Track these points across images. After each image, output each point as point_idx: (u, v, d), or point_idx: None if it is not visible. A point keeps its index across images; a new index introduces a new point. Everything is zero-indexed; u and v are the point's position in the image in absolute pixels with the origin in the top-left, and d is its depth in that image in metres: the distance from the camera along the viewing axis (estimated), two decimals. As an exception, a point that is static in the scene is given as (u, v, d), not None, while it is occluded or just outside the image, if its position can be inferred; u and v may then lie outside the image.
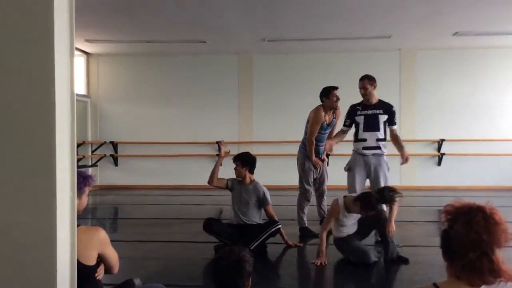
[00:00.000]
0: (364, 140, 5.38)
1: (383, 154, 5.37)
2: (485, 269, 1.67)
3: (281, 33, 9.13)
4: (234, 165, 5.30)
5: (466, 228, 1.71)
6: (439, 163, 10.69)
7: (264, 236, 4.98)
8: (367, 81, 5.42)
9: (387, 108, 5.45)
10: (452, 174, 10.55)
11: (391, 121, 5.44)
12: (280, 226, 5.13)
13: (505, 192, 9.53)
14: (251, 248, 4.72)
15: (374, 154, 5.36)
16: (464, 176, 10.49)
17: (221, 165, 5.37)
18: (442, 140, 10.52)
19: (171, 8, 7.49)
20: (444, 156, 10.57)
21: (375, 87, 5.43)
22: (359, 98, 5.60)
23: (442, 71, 10.64)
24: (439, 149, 10.61)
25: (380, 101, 5.49)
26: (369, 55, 10.67)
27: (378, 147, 5.35)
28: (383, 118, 5.38)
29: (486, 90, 10.56)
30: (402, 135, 10.49)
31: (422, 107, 10.65)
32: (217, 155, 5.42)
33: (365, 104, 5.45)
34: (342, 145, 6.05)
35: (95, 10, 7.50)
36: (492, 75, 10.56)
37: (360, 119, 5.43)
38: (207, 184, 5.40)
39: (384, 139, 5.40)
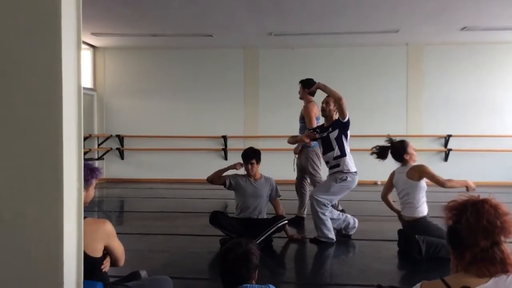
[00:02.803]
0: None
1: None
2: (497, 258, 1.68)
3: (287, 27, 9.10)
4: (243, 163, 5.28)
5: (476, 217, 1.72)
6: (445, 159, 10.64)
7: (270, 231, 4.98)
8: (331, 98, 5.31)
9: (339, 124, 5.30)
10: (458, 170, 10.48)
11: None
12: (287, 221, 5.14)
13: None
14: (257, 242, 4.73)
15: None
16: (471, 172, 10.41)
17: None
18: (449, 136, 10.47)
19: (177, 2, 7.48)
20: (450, 152, 10.53)
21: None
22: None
23: (449, 66, 10.58)
24: (445, 145, 10.57)
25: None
26: (376, 50, 10.63)
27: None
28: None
29: (493, 85, 10.50)
30: (409, 131, 10.59)
31: (429, 102, 10.60)
32: (230, 165, 5.40)
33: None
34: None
35: (102, 3, 7.51)
36: (499, 70, 10.50)
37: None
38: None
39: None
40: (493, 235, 1.69)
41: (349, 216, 5.42)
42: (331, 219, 5.23)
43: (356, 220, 5.44)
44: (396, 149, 4.89)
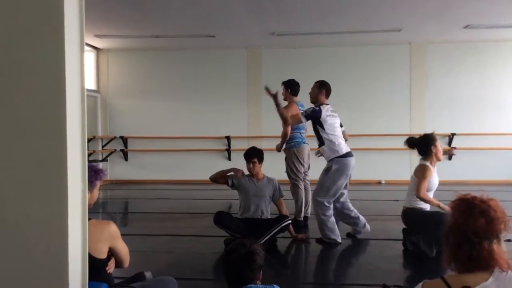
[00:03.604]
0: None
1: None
2: (461, 256, 1.69)
3: (290, 27, 9.10)
4: (245, 162, 5.30)
5: (451, 215, 1.77)
6: (449, 158, 10.60)
7: (274, 231, 4.97)
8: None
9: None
10: (463, 168, 10.46)
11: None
12: (290, 221, 5.13)
13: (516, 187, 9.44)
14: (261, 242, 4.73)
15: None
16: (476, 171, 10.41)
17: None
18: (453, 134, 10.44)
19: (180, 3, 7.49)
20: (455, 150, 10.49)
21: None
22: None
23: (452, 64, 10.55)
24: (449, 143, 10.54)
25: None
26: (379, 49, 10.61)
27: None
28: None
29: (497, 83, 10.46)
30: (412, 130, 10.56)
31: (433, 101, 10.57)
32: (232, 169, 5.41)
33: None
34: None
35: (105, 5, 7.52)
36: (503, 68, 10.45)
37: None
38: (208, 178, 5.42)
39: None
40: (460, 233, 1.71)
41: (362, 219, 5.37)
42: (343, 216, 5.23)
43: (368, 226, 5.37)
44: (425, 140, 4.79)
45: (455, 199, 1.82)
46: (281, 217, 5.10)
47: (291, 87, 6.28)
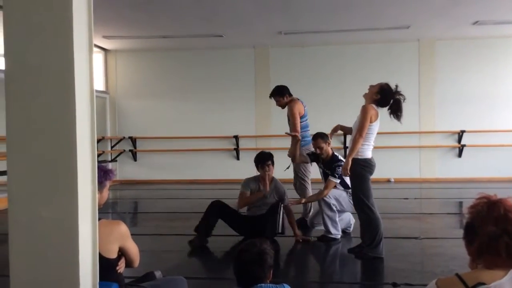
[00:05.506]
0: None
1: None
2: (502, 245, 1.66)
3: (297, 25, 9.09)
4: (253, 164, 5.32)
5: (490, 208, 1.73)
6: (459, 155, 10.54)
7: (281, 216, 5.00)
8: (320, 140, 5.33)
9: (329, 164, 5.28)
10: (473, 165, 10.40)
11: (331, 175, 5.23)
12: (283, 204, 5.14)
13: (527, 184, 9.36)
14: (280, 231, 4.92)
15: None
16: (485, 168, 10.33)
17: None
18: (463, 132, 10.36)
19: (187, 3, 7.51)
20: (464, 148, 10.42)
21: (329, 143, 5.36)
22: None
23: (461, 61, 10.48)
24: (459, 141, 10.47)
25: (330, 157, 5.34)
26: (387, 46, 10.56)
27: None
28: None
29: (507, 79, 10.38)
30: (422, 127, 10.50)
31: (442, 98, 10.50)
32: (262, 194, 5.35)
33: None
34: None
35: (112, 6, 7.56)
36: (513, 64, 10.36)
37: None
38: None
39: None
40: (504, 224, 1.68)
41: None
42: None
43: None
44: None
45: (483, 197, 1.79)
46: (275, 204, 5.06)
47: (282, 91, 6.06)
